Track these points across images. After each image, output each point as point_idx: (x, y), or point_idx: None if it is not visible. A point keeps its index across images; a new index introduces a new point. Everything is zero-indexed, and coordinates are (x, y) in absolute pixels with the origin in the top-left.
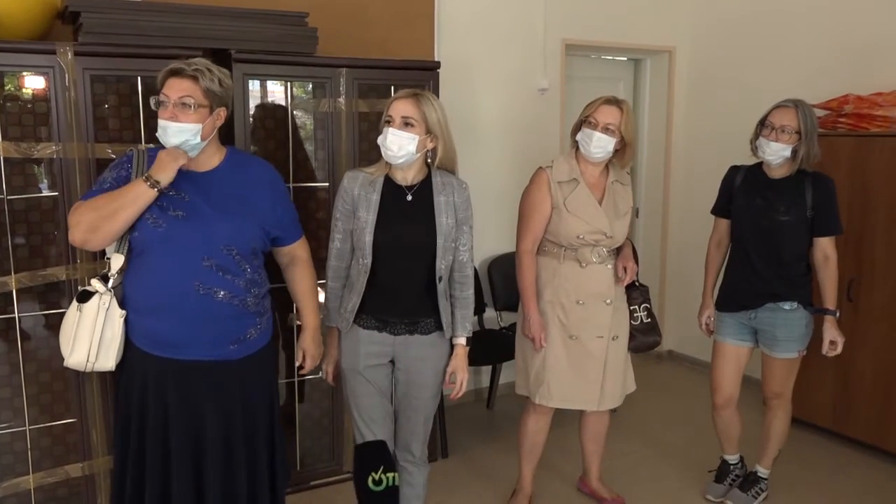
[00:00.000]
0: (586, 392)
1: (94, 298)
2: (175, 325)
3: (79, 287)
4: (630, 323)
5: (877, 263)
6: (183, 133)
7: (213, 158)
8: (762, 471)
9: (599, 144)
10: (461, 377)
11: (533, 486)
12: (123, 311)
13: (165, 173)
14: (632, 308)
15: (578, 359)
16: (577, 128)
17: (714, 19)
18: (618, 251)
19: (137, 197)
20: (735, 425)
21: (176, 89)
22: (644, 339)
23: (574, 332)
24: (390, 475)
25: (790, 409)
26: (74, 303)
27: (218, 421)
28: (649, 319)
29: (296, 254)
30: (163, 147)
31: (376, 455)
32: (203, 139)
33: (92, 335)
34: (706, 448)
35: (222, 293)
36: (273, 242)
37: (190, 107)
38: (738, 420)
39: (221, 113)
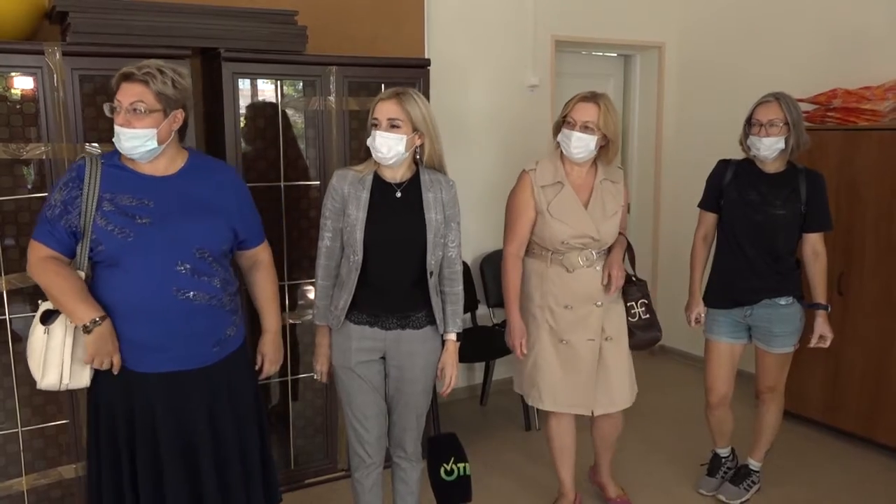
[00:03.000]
0: (578, 396)
1: (60, 318)
2: (156, 331)
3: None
4: (628, 320)
5: (866, 257)
6: (136, 139)
7: (175, 161)
8: (754, 464)
9: (579, 144)
10: (450, 372)
11: (577, 492)
12: None
13: (103, 351)
14: (628, 305)
15: (569, 362)
16: (558, 128)
17: (703, 14)
18: (610, 251)
19: (72, 319)
20: (728, 422)
21: (127, 94)
22: (643, 335)
23: (564, 335)
24: (461, 465)
25: (783, 402)
26: (38, 325)
27: (207, 424)
28: (647, 315)
29: (258, 258)
30: (118, 153)
31: (447, 446)
32: (160, 143)
33: (62, 356)
34: (698, 442)
35: (200, 295)
36: (238, 246)
37: (141, 112)
38: (731, 416)
39: (178, 115)
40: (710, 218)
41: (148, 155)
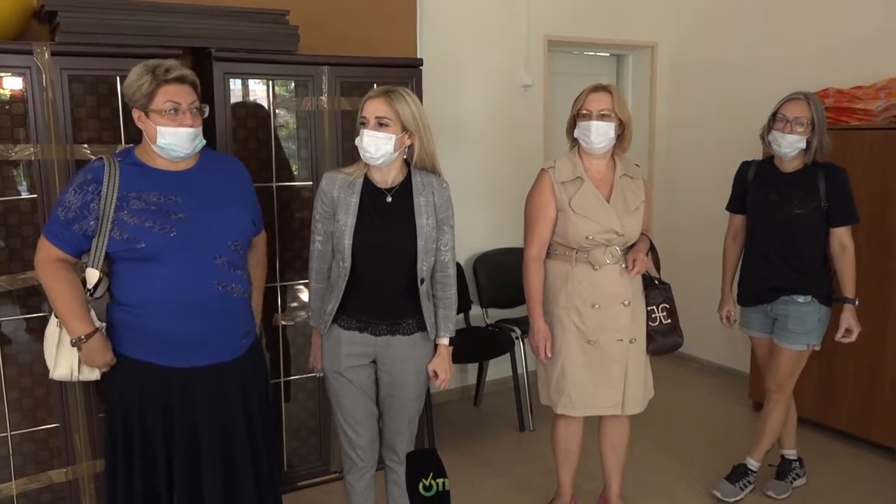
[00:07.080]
0: (609, 397)
1: None
2: (198, 325)
3: None
4: (648, 324)
5: (859, 255)
6: (197, 136)
7: (192, 157)
8: (752, 463)
9: (599, 132)
10: (442, 376)
11: (574, 493)
12: (102, 323)
13: (95, 364)
14: (649, 309)
15: (599, 364)
16: (572, 124)
17: (696, 14)
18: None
19: (66, 329)
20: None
21: (185, 96)
22: (664, 340)
23: (592, 336)
24: (440, 481)
25: (789, 405)
26: (53, 318)
27: (242, 413)
28: (669, 321)
29: (255, 242)
30: (132, 150)
31: (427, 462)
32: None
33: (74, 350)
34: (694, 442)
35: (237, 288)
36: None
37: (200, 112)
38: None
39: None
40: (738, 219)
41: (195, 151)
